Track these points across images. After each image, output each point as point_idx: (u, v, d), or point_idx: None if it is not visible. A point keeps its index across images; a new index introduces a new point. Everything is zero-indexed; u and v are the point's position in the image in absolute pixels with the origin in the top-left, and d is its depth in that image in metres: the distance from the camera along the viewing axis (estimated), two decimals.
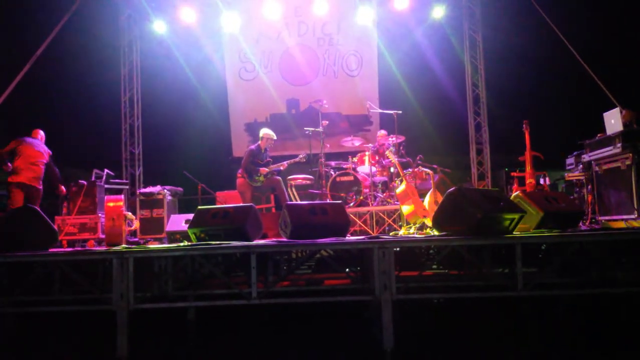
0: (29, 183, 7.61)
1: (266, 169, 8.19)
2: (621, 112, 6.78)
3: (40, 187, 7.81)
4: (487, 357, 4.62)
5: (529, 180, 7.74)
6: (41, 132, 8.11)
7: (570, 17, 9.75)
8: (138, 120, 11.55)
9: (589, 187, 7.40)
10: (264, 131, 8.48)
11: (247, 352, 4.99)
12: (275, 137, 8.48)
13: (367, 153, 8.79)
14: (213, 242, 4.77)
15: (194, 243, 4.97)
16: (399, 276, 4.95)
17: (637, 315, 4.81)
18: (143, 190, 9.10)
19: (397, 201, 7.82)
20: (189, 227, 5.10)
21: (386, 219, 8.11)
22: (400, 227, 7.77)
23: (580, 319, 5.09)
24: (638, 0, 9.59)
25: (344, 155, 9.52)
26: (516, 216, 4.73)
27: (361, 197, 8.39)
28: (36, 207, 5.26)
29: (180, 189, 9.45)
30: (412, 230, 7.29)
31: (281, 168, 8.32)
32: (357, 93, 11.47)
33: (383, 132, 9.22)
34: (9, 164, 7.57)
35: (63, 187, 8.22)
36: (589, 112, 7.84)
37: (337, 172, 8.74)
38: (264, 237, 5.86)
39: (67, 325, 5.29)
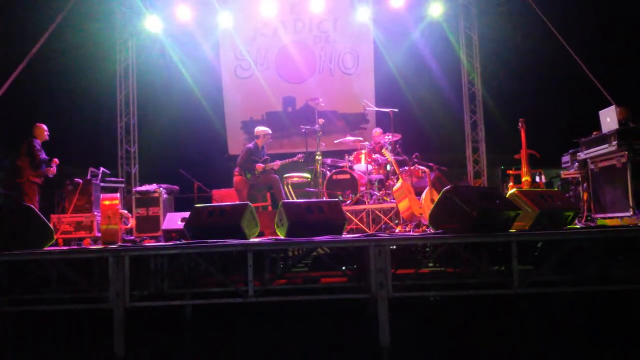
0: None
1: (262, 165, 8.19)
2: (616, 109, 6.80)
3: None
4: (484, 355, 4.63)
5: (525, 178, 7.76)
6: (37, 126, 8.26)
7: (566, 15, 9.76)
8: (134, 119, 11.51)
9: (585, 185, 7.41)
10: (259, 129, 8.53)
11: (244, 349, 5.00)
12: (270, 132, 8.52)
13: (363, 151, 8.79)
14: (209, 240, 4.76)
15: (190, 241, 4.96)
16: (396, 274, 4.96)
17: (633, 312, 4.83)
18: (139, 188, 9.07)
19: (394, 199, 7.83)
20: (185, 225, 5.10)
21: (382, 217, 8.12)
22: (397, 225, 7.78)
23: (578, 316, 5.11)
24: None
25: (340, 154, 9.51)
26: (512, 214, 4.75)
27: (357, 195, 8.39)
28: (31, 206, 5.24)
29: (176, 187, 9.43)
30: (408, 228, 7.31)
31: (274, 168, 8.31)
32: (354, 91, 11.46)
33: (379, 130, 9.23)
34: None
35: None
36: (585, 110, 7.85)
37: (333, 170, 8.74)
38: (260, 235, 5.85)
39: (64, 323, 5.28)
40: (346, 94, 11.54)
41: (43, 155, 8.07)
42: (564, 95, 10.41)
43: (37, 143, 8.09)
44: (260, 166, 8.18)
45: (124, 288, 4.43)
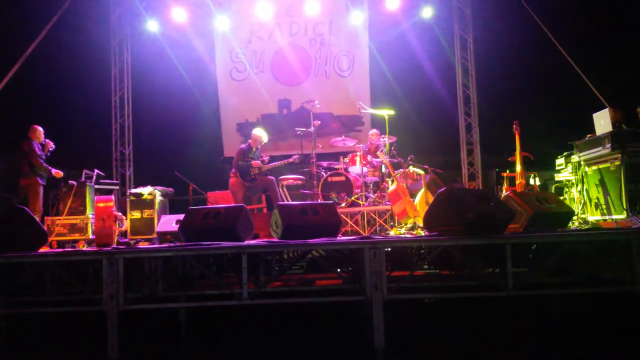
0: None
1: (259, 163, 8.16)
2: (610, 112, 6.83)
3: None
4: (478, 356, 4.64)
5: (519, 181, 7.78)
6: (33, 128, 8.18)
7: (560, 18, 9.81)
8: (128, 120, 11.48)
9: (579, 187, 7.45)
10: (256, 132, 8.48)
11: (238, 352, 4.99)
12: (265, 140, 8.49)
13: (358, 153, 8.80)
14: (204, 243, 4.75)
15: (185, 243, 4.95)
16: (390, 276, 4.97)
17: (627, 314, 4.84)
18: (133, 190, 9.06)
19: (389, 201, 7.84)
20: (179, 228, 5.09)
21: (377, 219, 8.12)
22: (392, 227, 7.79)
23: (573, 318, 5.12)
24: (627, 1, 9.67)
25: (335, 156, 9.52)
26: (506, 216, 4.76)
27: (352, 198, 8.39)
28: (24, 208, 5.22)
29: (171, 189, 9.41)
30: (403, 231, 7.31)
31: (270, 164, 8.30)
32: (349, 93, 11.47)
33: (375, 131, 9.24)
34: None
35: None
36: (579, 112, 7.89)
37: (328, 173, 8.74)
38: (255, 237, 5.84)
39: (58, 326, 5.25)
40: (341, 96, 11.56)
41: (42, 162, 7.98)
42: (559, 98, 10.44)
43: (37, 147, 8.01)
44: (256, 163, 8.14)
45: (117, 290, 4.41)
